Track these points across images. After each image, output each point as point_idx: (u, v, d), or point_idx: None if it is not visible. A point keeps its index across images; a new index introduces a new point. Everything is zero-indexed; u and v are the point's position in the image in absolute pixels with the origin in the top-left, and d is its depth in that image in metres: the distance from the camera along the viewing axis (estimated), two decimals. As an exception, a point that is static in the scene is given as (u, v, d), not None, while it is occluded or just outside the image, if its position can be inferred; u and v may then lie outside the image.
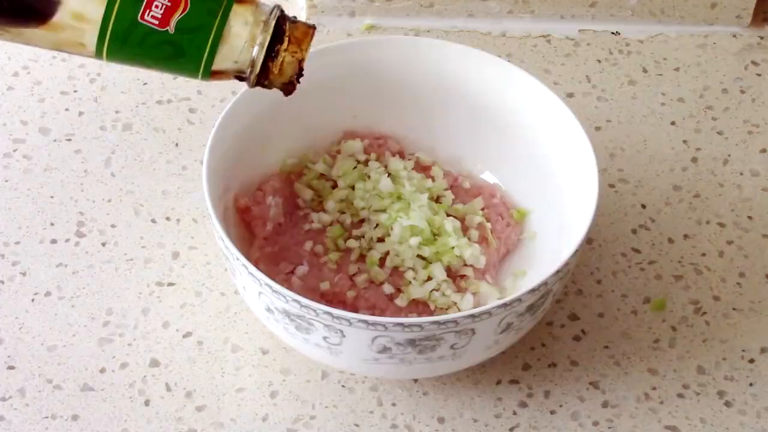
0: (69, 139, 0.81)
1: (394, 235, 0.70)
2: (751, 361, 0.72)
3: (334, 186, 0.74)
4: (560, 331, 0.72)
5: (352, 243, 0.71)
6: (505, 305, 0.62)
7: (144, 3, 0.55)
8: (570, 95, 0.86)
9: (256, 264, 0.66)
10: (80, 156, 0.80)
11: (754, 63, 0.89)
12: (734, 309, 0.74)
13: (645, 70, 0.88)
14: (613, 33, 0.91)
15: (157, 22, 0.55)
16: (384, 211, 0.71)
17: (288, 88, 0.60)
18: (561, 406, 0.69)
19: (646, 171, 0.81)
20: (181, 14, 0.55)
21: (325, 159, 0.75)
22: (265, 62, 0.58)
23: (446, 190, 0.74)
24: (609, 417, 0.69)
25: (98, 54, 0.56)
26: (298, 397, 0.69)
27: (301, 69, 0.59)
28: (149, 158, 0.80)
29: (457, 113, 0.75)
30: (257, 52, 0.57)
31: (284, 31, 0.57)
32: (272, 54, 0.58)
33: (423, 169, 0.75)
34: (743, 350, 0.72)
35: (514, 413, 0.69)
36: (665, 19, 0.91)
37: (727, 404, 0.70)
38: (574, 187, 0.69)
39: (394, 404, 0.69)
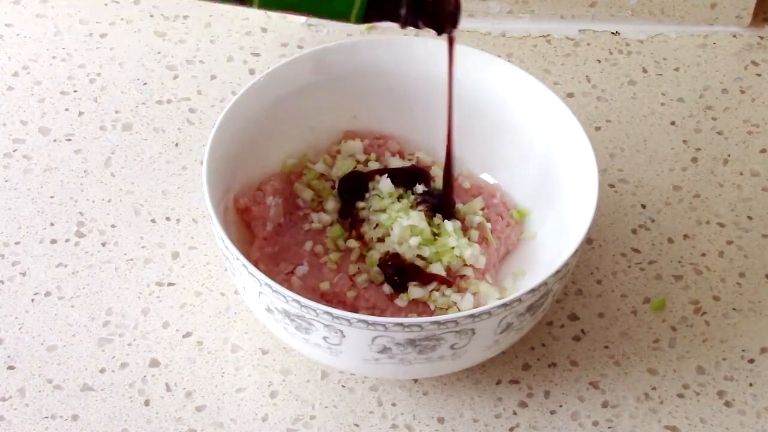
0: (69, 139, 0.81)
1: (394, 235, 0.70)
2: (751, 361, 0.72)
3: (334, 186, 0.74)
4: (560, 331, 0.72)
5: (352, 243, 0.71)
6: (505, 305, 0.62)
7: None
8: (570, 95, 0.86)
9: (256, 264, 0.66)
10: (80, 156, 0.80)
11: (754, 63, 0.89)
12: (734, 309, 0.74)
13: (645, 70, 0.88)
14: (613, 33, 0.91)
15: None
16: (384, 211, 0.71)
17: (443, 25, 0.58)
18: (561, 406, 0.69)
19: (646, 171, 0.81)
20: None
21: (325, 159, 0.75)
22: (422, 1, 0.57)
23: (446, 190, 0.74)
24: (609, 417, 0.69)
25: None
26: (298, 397, 0.69)
27: (456, 7, 0.58)
28: (149, 158, 0.80)
29: (457, 113, 0.75)
30: None
31: None
32: None
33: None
34: (743, 350, 0.72)
35: (514, 413, 0.69)
36: (665, 19, 0.91)
37: (727, 404, 0.70)
38: (574, 187, 0.69)
39: (394, 404, 0.69)
